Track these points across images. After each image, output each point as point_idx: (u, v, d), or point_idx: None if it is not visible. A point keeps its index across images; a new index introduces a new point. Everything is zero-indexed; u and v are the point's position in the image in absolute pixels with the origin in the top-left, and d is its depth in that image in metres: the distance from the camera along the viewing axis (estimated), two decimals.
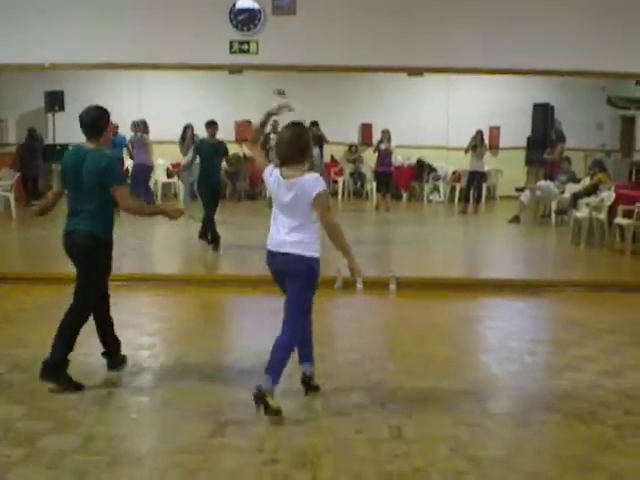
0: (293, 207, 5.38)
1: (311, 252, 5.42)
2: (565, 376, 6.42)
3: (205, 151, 12.16)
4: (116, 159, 6.14)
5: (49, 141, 18.40)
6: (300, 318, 5.56)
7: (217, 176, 12.40)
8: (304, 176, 5.38)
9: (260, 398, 5.26)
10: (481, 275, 10.97)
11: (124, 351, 6.39)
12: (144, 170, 16.10)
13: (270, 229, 5.56)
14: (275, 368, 5.36)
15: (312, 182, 5.38)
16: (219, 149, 12.26)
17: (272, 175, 5.49)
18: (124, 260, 10.40)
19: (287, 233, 5.42)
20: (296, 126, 5.53)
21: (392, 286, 9.47)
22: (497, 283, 9.83)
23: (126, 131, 16.51)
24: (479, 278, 10.37)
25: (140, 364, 6.49)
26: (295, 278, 5.46)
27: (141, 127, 16.01)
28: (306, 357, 5.85)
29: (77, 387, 5.83)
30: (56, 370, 5.80)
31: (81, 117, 5.93)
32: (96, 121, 5.92)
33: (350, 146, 20.31)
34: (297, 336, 5.60)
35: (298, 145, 5.43)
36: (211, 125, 12.27)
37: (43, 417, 5.26)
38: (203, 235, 12.13)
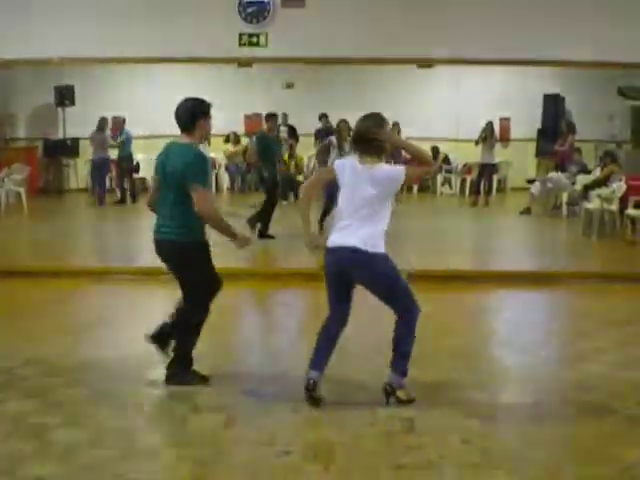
0: (373, 196, 5.20)
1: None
2: (578, 368, 6.38)
3: (264, 144, 12.31)
4: (204, 156, 5.55)
5: (59, 136, 18.43)
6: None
7: (273, 169, 12.32)
8: (383, 166, 5.28)
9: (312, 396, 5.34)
10: (493, 267, 10.91)
11: (137, 345, 6.31)
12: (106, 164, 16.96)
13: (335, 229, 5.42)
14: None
15: (399, 170, 5.29)
16: (276, 143, 12.80)
17: (346, 167, 5.31)
18: (142, 253, 10.46)
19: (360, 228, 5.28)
20: (373, 119, 5.31)
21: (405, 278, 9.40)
22: (509, 275, 9.78)
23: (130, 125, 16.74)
24: (491, 270, 10.31)
25: (151, 358, 6.48)
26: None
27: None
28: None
29: (203, 379, 5.79)
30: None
31: (177, 110, 5.46)
32: (188, 113, 5.43)
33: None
34: None
35: (372, 143, 5.23)
36: (269, 118, 12.51)
37: (54, 411, 5.26)
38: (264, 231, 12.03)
